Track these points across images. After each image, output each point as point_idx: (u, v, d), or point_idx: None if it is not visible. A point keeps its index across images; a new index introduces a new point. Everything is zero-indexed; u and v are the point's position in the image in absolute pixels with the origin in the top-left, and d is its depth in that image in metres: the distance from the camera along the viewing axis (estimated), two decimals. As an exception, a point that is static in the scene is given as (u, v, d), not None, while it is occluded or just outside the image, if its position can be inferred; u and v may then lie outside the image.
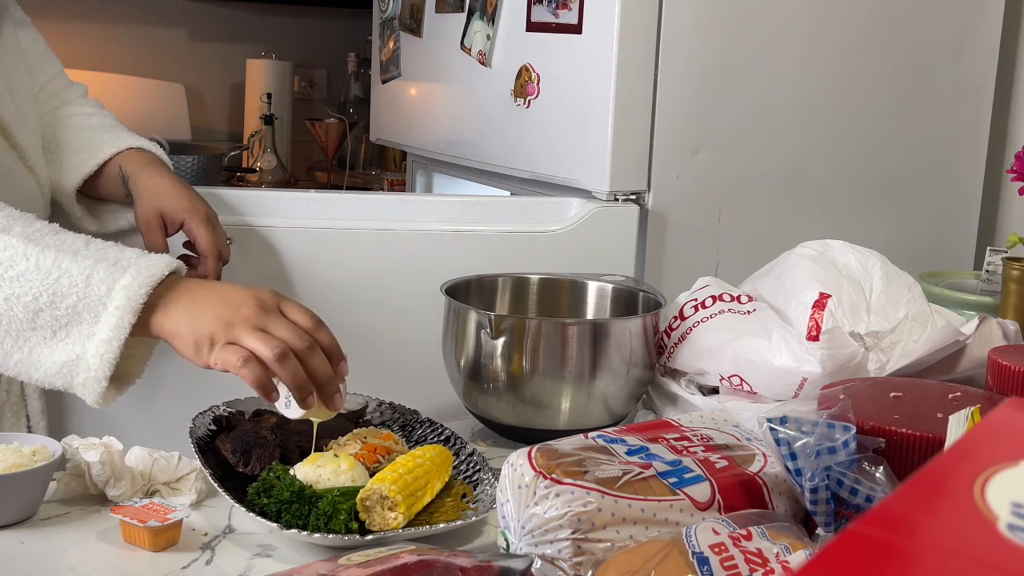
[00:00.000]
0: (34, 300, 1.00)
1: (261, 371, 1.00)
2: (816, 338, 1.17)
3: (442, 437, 1.19)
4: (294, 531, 0.95)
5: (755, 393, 1.22)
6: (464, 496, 1.08)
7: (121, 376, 1.04)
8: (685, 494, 0.86)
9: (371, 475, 1.02)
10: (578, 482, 0.84)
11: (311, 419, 1.08)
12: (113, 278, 1.01)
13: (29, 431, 1.39)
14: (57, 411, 1.50)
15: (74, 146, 1.45)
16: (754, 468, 0.92)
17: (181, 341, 1.02)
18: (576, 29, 1.72)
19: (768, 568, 0.76)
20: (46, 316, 1.00)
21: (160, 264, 1.04)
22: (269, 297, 1.05)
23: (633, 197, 1.74)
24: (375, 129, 2.47)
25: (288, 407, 1.04)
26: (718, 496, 0.88)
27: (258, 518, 0.96)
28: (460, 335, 1.26)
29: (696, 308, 1.30)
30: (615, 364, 1.23)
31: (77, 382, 1.02)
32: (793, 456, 0.83)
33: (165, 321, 1.02)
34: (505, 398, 1.24)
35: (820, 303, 1.20)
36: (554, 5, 1.75)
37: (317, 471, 1.01)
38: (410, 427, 1.22)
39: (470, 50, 1.97)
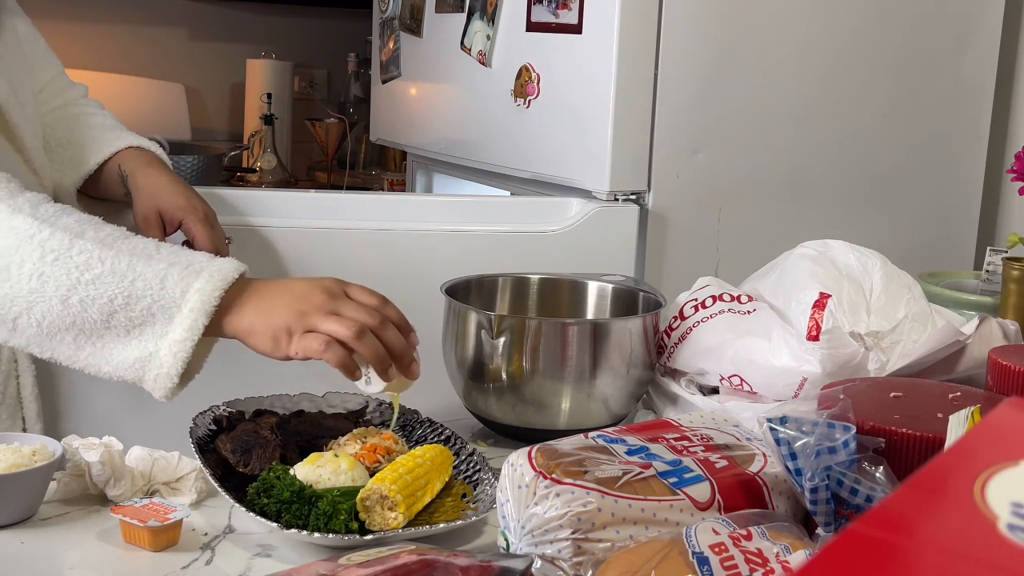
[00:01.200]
0: (109, 302, 1.03)
1: (343, 352, 1.05)
2: (816, 338, 1.17)
3: (442, 437, 1.19)
4: (294, 531, 0.95)
5: (755, 393, 1.22)
6: (464, 496, 1.08)
7: (186, 372, 1.07)
8: (685, 494, 0.86)
9: (371, 475, 1.02)
10: (578, 482, 0.84)
11: (392, 392, 1.12)
12: (187, 282, 1.04)
13: (24, 432, 1.39)
14: (52, 414, 1.50)
15: (74, 145, 1.46)
16: (754, 468, 0.92)
17: (258, 337, 1.06)
18: (576, 29, 1.72)
19: (768, 568, 0.76)
20: (120, 317, 1.03)
21: (230, 268, 1.07)
22: (333, 284, 1.09)
23: (633, 197, 1.74)
24: (375, 129, 2.47)
25: (368, 383, 1.09)
26: (718, 496, 0.88)
27: (258, 518, 0.96)
28: (460, 335, 1.26)
29: (696, 308, 1.30)
30: (615, 364, 1.23)
31: (149, 377, 1.05)
32: (793, 456, 0.83)
33: (240, 321, 1.06)
34: (505, 398, 1.23)
35: (820, 303, 1.20)
36: (554, 5, 1.75)
37: (317, 471, 1.01)
38: (410, 427, 1.22)
39: (470, 50, 1.97)
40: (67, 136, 1.47)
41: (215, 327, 1.06)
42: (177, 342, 1.04)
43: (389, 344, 1.07)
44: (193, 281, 1.04)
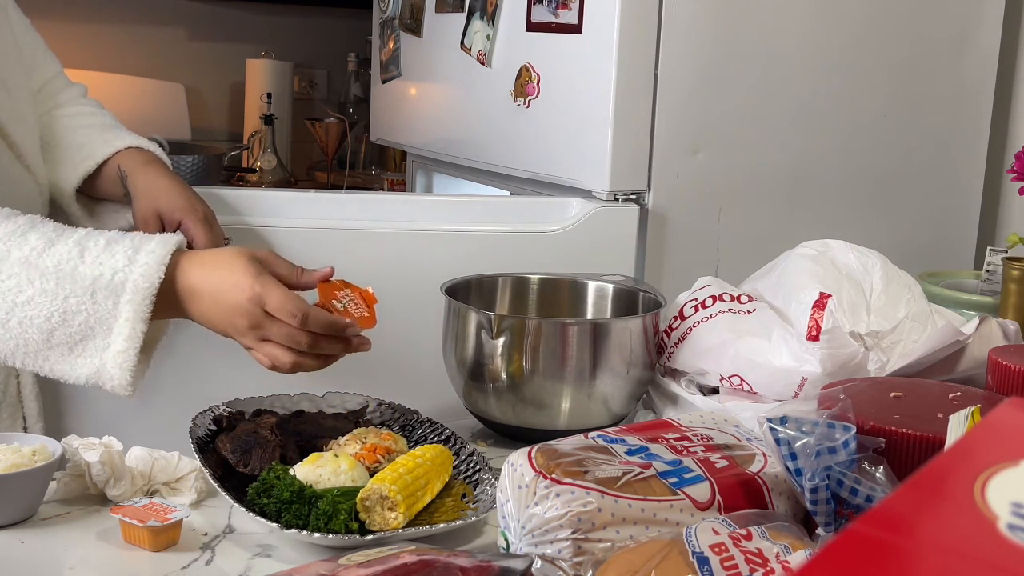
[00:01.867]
0: (47, 320, 1.05)
1: (287, 371, 1.10)
2: (816, 338, 1.17)
3: (442, 437, 1.19)
4: (294, 531, 0.95)
5: (755, 393, 1.22)
6: (464, 496, 1.08)
7: (145, 351, 1.09)
8: (685, 494, 0.86)
9: (371, 475, 1.02)
10: (578, 482, 0.84)
11: None
12: (116, 294, 1.06)
13: (25, 432, 1.39)
14: (54, 412, 1.50)
15: (73, 145, 1.46)
16: (754, 468, 0.92)
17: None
18: (576, 29, 1.72)
19: (768, 568, 0.76)
20: (60, 335, 1.05)
21: (154, 269, 1.07)
22: (250, 302, 1.08)
23: (633, 197, 1.74)
24: (375, 129, 2.47)
25: None
26: (718, 496, 0.88)
27: (258, 518, 0.96)
28: (460, 335, 1.26)
29: (696, 308, 1.30)
30: (615, 364, 1.23)
31: (105, 388, 1.09)
32: (793, 456, 0.83)
33: (188, 315, 1.11)
34: (505, 398, 1.23)
35: (820, 303, 1.20)
36: (554, 5, 1.75)
37: (317, 471, 1.01)
38: (410, 427, 1.22)
39: (470, 50, 1.97)
40: (65, 136, 1.47)
41: (164, 314, 1.09)
42: (120, 352, 1.05)
43: (327, 354, 1.11)
44: (121, 293, 1.05)
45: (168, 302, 1.07)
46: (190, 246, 1.37)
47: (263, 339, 1.08)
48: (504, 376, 1.22)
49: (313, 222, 1.60)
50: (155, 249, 1.07)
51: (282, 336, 1.07)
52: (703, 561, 0.76)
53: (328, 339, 1.09)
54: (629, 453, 0.90)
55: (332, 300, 1.14)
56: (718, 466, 0.91)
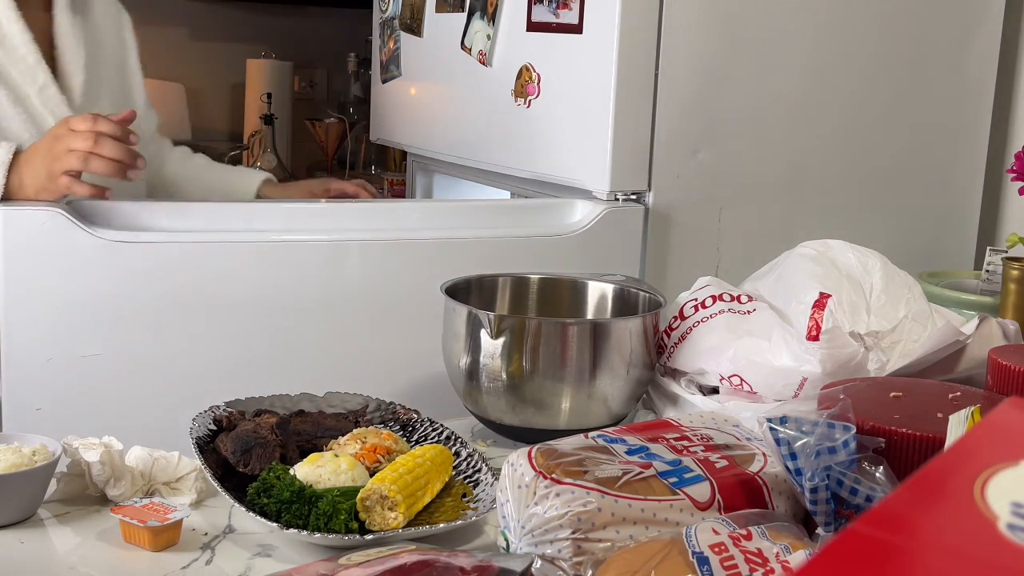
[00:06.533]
0: None
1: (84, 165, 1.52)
2: (816, 338, 1.17)
3: (442, 437, 1.19)
4: (294, 531, 0.95)
5: (755, 393, 1.22)
6: (464, 496, 1.08)
7: None
8: (685, 494, 0.86)
9: (371, 475, 1.02)
10: (578, 482, 0.84)
11: None
12: None
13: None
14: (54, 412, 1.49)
15: (229, 187, 1.97)
16: (754, 468, 0.92)
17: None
18: (576, 29, 1.72)
19: (768, 568, 0.76)
20: None
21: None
22: (57, 127, 1.52)
23: (633, 197, 1.74)
24: (375, 129, 2.47)
25: None
26: (718, 496, 0.88)
27: (258, 518, 0.96)
28: (460, 335, 1.26)
29: (696, 308, 1.30)
30: (615, 364, 1.23)
31: None
32: (793, 456, 0.83)
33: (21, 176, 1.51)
34: (505, 398, 1.23)
35: (820, 303, 1.20)
36: (555, 5, 1.75)
37: (317, 471, 1.01)
38: (410, 427, 1.22)
39: (470, 50, 1.97)
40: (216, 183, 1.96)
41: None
42: None
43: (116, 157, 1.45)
44: None
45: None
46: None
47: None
48: (504, 376, 1.22)
49: (318, 234, 1.60)
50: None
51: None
52: (703, 561, 0.76)
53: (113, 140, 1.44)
54: (629, 453, 0.90)
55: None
56: (718, 466, 0.91)
